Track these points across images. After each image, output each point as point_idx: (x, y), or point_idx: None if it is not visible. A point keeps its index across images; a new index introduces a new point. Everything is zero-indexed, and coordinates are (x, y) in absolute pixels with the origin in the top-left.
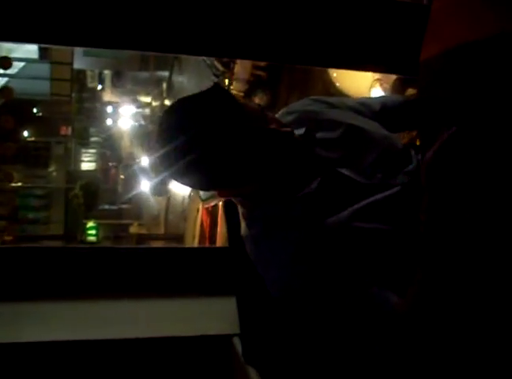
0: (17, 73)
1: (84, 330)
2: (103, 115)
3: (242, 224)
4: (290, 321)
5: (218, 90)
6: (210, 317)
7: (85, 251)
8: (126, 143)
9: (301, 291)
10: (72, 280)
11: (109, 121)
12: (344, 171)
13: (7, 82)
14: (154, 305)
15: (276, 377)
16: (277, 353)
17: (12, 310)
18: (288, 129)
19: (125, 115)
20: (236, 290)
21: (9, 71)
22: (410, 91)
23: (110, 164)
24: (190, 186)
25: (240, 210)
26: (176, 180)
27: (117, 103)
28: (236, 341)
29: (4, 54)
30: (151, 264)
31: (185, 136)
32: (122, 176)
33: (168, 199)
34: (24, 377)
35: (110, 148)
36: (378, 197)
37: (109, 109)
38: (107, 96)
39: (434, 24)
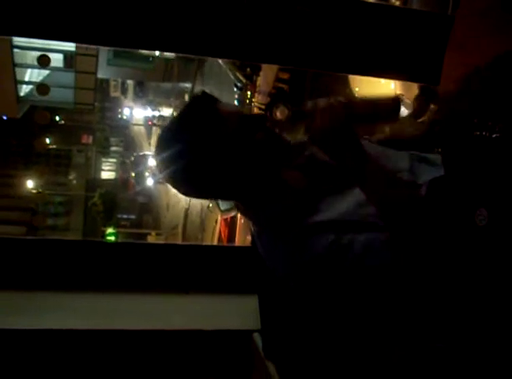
0: (42, 80)
1: (110, 320)
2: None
3: (254, 231)
4: (306, 317)
5: (199, 101)
6: (232, 313)
7: (112, 246)
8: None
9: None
10: (103, 274)
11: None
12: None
13: (31, 90)
14: (179, 300)
15: (294, 371)
16: (296, 349)
17: (31, 299)
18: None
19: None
20: (258, 288)
21: (33, 79)
22: (432, 108)
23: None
24: (184, 194)
25: (250, 222)
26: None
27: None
28: (256, 337)
29: (30, 61)
30: (178, 261)
31: (168, 149)
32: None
33: (187, 210)
34: (42, 362)
35: (130, 158)
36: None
37: (126, 111)
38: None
39: (458, 34)
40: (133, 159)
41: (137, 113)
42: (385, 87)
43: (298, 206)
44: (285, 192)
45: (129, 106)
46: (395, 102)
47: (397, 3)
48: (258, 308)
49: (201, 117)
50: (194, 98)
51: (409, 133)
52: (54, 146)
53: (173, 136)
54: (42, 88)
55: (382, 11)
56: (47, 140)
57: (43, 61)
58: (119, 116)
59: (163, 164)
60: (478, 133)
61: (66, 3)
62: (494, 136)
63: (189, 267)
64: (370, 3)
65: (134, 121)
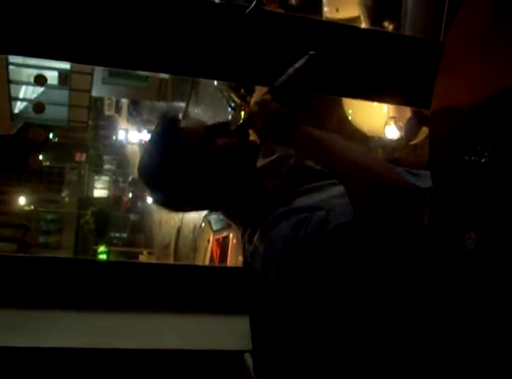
0: (36, 98)
1: (101, 339)
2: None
3: (240, 239)
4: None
5: (162, 126)
6: (223, 333)
7: (105, 265)
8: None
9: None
10: (92, 293)
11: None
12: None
13: (26, 106)
14: (170, 320)
15: None
16: (287, 369)
17: (30, 317)
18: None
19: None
20: (249, 308)
21: (28, 96)
22: (424, 130)
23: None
24: (172, 210)
25: (235, 227)
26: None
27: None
28: (247, 357)
29: (25, 79)
30: (170, 280)
31: (146, 176)
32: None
33: (179, 229)
34: None
35: (123, 176)
36: None
37: (121, 134)
38: (123, 125)
39: (447, 58)
40: (131, 179)
41: (132, 136)
42: (378, 110)
43: (276, 203)
44: (264, 195)
45: (124, 129)
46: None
47: (390, 28)
48: (250, 328)
49: (166, 140)
50: (157, 125)
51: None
52: (48, 163)
53: (148, 163)
54: (38, 106)
55: (375, 37)
56: (41, 157)
57: (40, 81)
58: (114, 138)
59: (148, 189)
60: (467, 157)
61: (62, 23)
62: (483, 160)
63: (181, 287)
64: (365, 29)
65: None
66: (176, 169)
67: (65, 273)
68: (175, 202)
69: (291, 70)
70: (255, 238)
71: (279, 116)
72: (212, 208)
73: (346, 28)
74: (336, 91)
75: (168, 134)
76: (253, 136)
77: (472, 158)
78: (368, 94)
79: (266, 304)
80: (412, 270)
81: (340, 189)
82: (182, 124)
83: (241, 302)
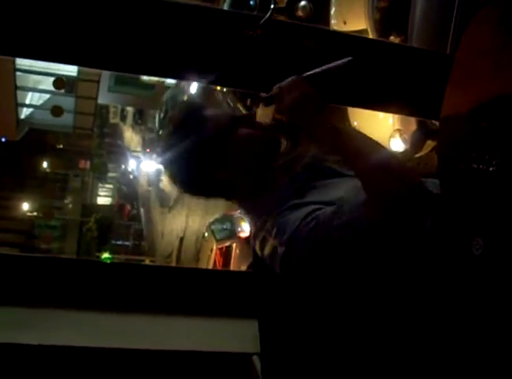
0: (42, 104)
1: (110, 339)
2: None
3: (252, 228)
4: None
5: (187, 110)
6: (232, 336)
7: (116, 267)
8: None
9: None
10: (104, 295)
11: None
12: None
13: (32, 113)
14: (179, 322)
15: None
16: (296, 372)
17: (37, 315)
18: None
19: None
20: (258, 310)
21: (34, 102)
22: (429, 144)
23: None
24: (188, 194)
25: (248, 217)
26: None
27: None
28: (256, 359)
29: (31, 85)
30: (179, 283)
31: (168, 157)
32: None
33: (181, 239)
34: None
35: (127, 185)
36: None
37: (132, 164)
38: (128, 133)
39: (457, 71)
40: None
41: (145, 166)
42: (383, 122)
43: (290, 196)
44: (278, 188)
45: (135, 157)
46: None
47: (397, 41)
48: (258, 331)
49: (192, 124)
50: (183, 107)
51: None
52: (51, 170)
53: (170, 145)
54: (56, 109)
55: (384, 48)
56: (45, 164)
57: (59, 84)
58: (123, 167)
59: (168, 171)
60: (475, 165)
61: (71, 26)
62: (490, 169)
63: (190, 290)
64: (374, 40)
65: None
66: (198, 152)
67: (77, 275)
68: (194, 186)
69: (327, 66)
70: (267, 225)
71: (310, 97)
72: (227, 196)
73: (355, 38)
74: (344, 101)
75: (194, 118)
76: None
77: (481, 166)
78: (376, 104)
79: (275, 306)
80: (414, 271)
81: (353, 183)
82: (209, 111)
83: (249, 305)
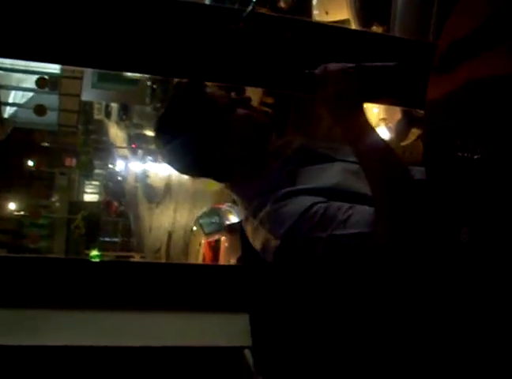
0: (26, 102)
1: (100, 337)
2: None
3: (243, 214)
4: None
5: (189, 89)
6: (223, 330)
7: (108, 265)
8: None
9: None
10: (94, 292)
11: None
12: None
13: (15, 111)
14: (169, 317)
15: None
16: (288, 364)
17: (40, 316)
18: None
19: (135, 170)
20: (249, 303)
21: (17, 100)
22: (414, 132)
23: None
24: (180, 173)
25: (238, 201)
26: (175, 168)
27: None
28: (247, 353)
29: (14, 83)
30: (169, 279)
31: (166, 135)
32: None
33: (170, 233)
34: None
35: (113, 181)
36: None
37: (120, 165)
38: (113, 129)
39: (440, 59)
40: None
41: (133, 166)
42: (368, 111)
43: (282, 180)
44: (269, 171)
45: (123, 158)
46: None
47: (379, 31)
48: (249, 324)
49: (192, 102)
50: (185, 86)
51: None
52: (37, 168)
53: (170, 122)
54: (39, 108)
55: (366, 38)
56: (31, 163)
57: (42, 84)
58: (111, 167)
59: (164, 149)
60: (460, 154)
61: (52, 24)
62: (475, 157)
63: (180, 285)
64: (359, 31)
65: (131, 176)
66: (198, 127)
67: (65, 273)
68: (191, 162)
69: (378, 63)
70: (261, 213)
71: (353, 94)
72: (218, 177)
73: (338, 29)
74: None
75: (194, 94)
76: None
77: (466, 154)
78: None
79: (265, 297)
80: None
81: (344, 167)
82: (209, 90)
83: (239, 299)
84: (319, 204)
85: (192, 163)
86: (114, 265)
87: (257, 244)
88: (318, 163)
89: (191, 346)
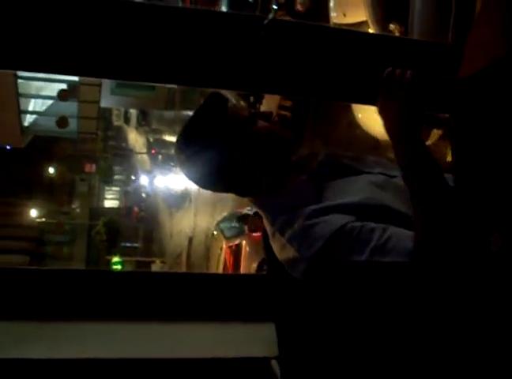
0: (46, 110)
1: (125, 349)
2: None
3: (268, 229)
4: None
5: (211, 104)
6: (249, 340)
7: (131, 276)
8: None
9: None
10: (119, 303)
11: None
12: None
13: (35, 119)
14: (195, 328)
15: None
16: (316, 375)
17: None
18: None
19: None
20: (276, 314)
21: (37, 108)
22: (435, 133)
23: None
24: (208, 188)
25: (263, 216)
26: (198, 184)
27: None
28: (274, 364)
29: (33, 92)
30: (195, 289)
31: (187, 151)
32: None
33: (190, 239)
34: None
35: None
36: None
37: (144, 180)
38: (132, 135)
39: (466, 64)
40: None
41: (158, 181)
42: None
43: (307, 195)
44: (294, 185)
45: (147, 173)
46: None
47: (398, 32)
48: (276, 334)
49: (213, 116)
50: (206, 100)
51: None
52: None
53: (192, 138)
54: (61, 121)
55: (384, 42)
56: (51, 170)
57: (63, 96)
58: (135, 182)
59: (186, 165)
60: (491, 160)
61: (69, 38)
62: (507, 164)
63: (206, 295)
64: (379, 35)
65: (153, 189)
66: (218, 141)
67: (86, 285)
68: (211, 178)
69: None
70: (289, 230)
71: (415, 109)
72: (241, 192)
73: (356, 33)
74: (349, 98)
75: (216, 107)
76: None
77: (496, 161)
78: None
79: (293, 308)
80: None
81: (370, 180)
82: (230, 103)
83: (266, 308)
84: (351, 224)
85: (215, 177)
86: (137, 276)
87: (284, 261)
88: (344, 176)
89: (216, 357)
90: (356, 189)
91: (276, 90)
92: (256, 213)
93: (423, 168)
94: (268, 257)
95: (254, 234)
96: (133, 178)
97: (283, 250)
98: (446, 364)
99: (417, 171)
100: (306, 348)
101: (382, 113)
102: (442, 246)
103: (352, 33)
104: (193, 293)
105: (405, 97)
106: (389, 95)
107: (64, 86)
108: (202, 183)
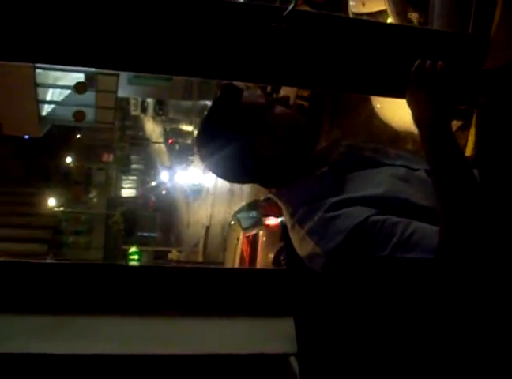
0: (63, 100)
1: (144, 345)
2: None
3: (288, 221)
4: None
5: (225, 96)
6: (267, 336)
7: (148, 270)
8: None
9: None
10: (135, 297)
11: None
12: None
13: (53, 109)
14: (212, 324)
15: None
16: (336, 372)
17: (64, 323)
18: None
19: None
20: (295, 309)
21: (55, 98)
22: (454, 124)
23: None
24: (225, 180)
25: (283, 208)
26: (222, 177)
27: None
28: (293, 360)
29: (51, 81)
30: (213, 284)
31: (206, 143)
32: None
33: (208, 228)
34: None
35: (150, 176)
36: None
37: (164, 175)
38: (149, 124)
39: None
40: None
41: (180, 179)
42: (406, 104)
43: (328, 187)
44: (315, 176)
45: (167, 168)
46: None
47: (416, 20)
48: (295, 331)
49: (229, 110)
50: (220, 94)
51: None
52: (75, 165)
53: (211, 132)
54: (78, 114)
55: (403, 32)
56: (69, 159)
57: (80, 88)
58: (155, 180)
59: (209, 159)
60: None
61: (86, 30)
62: None
63: (224, 290)
64: (393, 25)
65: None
66: (238, 131)
67: (99, 280)
68: (234, 169)
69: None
70: (309, 222)
71: (446, 100)
72: (265, 182)
73: (376, 25)
74: (369, 90)
75: (230, 98)
76: None
77: None
78: (398, 92)
79: (312, 303)
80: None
81: (390, 172)
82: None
83: (285, 304)
84: (373, 217)
85: (238, 168)
86: (154, 270)
87: (303, 254)
88: (366, 168)
89: (233, 353)
90: (378, 182)
91: (296, 82)
92: (268, 198)
93: (452, 162)
94: (287, 250)
95: (271, 224)
96: (151, 172)
97: (302, 243)
98: (469, 361)
99: (446, 165)
100: (325, 345)
101: (411, 104)
102: (470, 244)
103: (373, 24)
104: (211, 288)
105: (437, 88)
106: (420, 85)
107: (81, 76)
108: (226, 176)
